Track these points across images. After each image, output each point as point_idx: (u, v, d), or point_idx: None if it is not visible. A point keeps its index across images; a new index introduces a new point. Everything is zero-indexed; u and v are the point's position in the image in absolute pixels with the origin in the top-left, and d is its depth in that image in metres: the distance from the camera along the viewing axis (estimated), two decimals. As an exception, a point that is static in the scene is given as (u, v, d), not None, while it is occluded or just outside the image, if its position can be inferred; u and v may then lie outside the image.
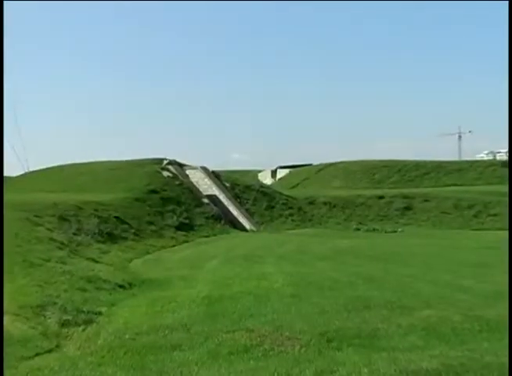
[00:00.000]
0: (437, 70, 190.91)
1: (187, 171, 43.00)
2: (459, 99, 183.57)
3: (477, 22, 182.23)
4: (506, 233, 30.13)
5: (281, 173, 76.11)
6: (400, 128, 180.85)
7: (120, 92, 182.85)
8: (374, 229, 38.12)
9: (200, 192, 40.75)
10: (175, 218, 34.07)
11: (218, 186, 41.43)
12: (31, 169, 50.09)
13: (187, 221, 34.65)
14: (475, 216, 42.69)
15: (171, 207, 35.76)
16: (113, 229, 27.20)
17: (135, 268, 18.99)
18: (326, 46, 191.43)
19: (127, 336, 8.46)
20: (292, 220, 40.70)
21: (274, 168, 78.95)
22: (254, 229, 37.76)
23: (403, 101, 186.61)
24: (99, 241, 23.85)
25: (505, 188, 42.42)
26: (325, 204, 43.95)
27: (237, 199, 41.37)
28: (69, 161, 52.54)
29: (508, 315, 8.95)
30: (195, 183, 41.61)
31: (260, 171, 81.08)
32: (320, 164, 72.74)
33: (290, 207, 42.52)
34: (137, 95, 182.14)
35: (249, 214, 39.91)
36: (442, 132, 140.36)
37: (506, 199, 41.42)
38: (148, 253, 24.62)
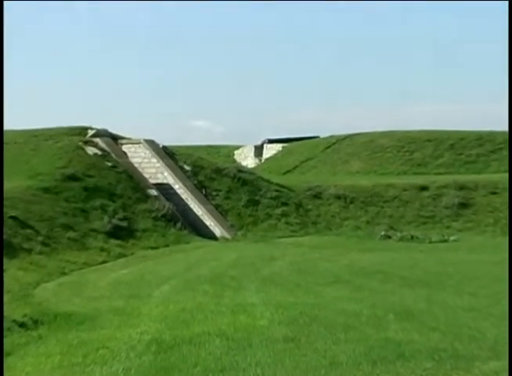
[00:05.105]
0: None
1: (124, 148, 42.87)
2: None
3: None
4: None
5: (270, 150, 76.09)
6: (448, 81, 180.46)
7: (30, 33, 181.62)
8: (413, 238, 38.25)
9: (145, 179, 40.66)
10: (106, 219, 33.94)
11: (172, 169, 41.36)
12: None
13: (125, 224, 34.56)
14: None
15: (99, 202, 35.63)
16: (10, 236, 27.06)
17: (43, 296, 18.94)
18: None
19: (30, 402, 8.43)
20: (287, 223, 40.74)
21: (259, 142, 79.01)
22: (227, 236, 37.78)
23: (454, 40, 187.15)
24: (-13, 255, 23.75)
25: None
26: (338, 198, 44.02)
27: (202, 190, 41.34)
28: None
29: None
30: (137, 166, 41.51)
31: (238, 148, 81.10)
32: (330, 137, 72.66)
33: (284, 203, 42.57)
34: (50, 38, 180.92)
35: (220, 213, 39.92)
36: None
37: None
38: (64, 273, 24.60)
